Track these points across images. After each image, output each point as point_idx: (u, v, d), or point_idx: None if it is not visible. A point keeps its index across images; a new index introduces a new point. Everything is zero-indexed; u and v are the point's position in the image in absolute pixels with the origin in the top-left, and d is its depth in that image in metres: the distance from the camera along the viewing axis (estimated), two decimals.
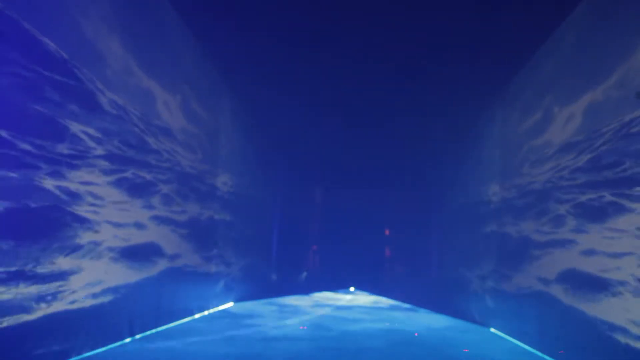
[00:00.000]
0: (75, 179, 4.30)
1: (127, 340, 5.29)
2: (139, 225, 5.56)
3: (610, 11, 4.76)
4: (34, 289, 3.73)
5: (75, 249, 4.28)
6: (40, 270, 3.81)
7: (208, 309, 7.98)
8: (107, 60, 4.87)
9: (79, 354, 4.37)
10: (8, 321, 3.47)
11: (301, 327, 6.98)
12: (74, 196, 4.29)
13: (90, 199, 4.52)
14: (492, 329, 7.57)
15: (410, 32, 6.62)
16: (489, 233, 8.11)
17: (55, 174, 4.01)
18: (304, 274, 14.70)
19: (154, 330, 5.92)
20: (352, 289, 14.26)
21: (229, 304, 9.12)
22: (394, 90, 8.86)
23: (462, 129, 9.97)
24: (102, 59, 4.76)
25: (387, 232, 16.52)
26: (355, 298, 11.76)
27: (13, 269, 3.52)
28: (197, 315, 7.42)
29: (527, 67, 6.96)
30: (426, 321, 8.15)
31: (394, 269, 16.18)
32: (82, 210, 4.39)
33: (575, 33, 5.50)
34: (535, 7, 5.64)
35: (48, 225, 3.93)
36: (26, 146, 3.66)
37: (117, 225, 5.08)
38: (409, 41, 6.89)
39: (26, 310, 3.66)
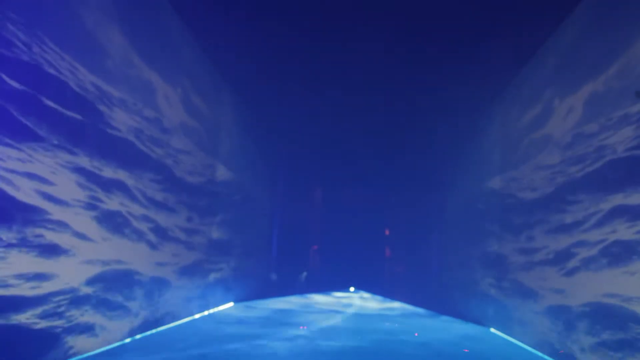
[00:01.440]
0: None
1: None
2: (129, 220, 5.55)
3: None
4: None
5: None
6: None
7: (208, 308, 7.98)
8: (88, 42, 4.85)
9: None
10: None
11: (301, 327, 6.95)
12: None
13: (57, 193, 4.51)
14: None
15: (413, 29, 6.62)
16: (492, 233, 8.10)
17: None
18: (304, 274, 14.69)
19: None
20: (352, 289, 14.26)
21: (229, 304, 9.12)
22: (395, 89, 8.86)
23: (463, 126, 9.97)
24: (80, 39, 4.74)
25: (387, 232, 16.51)
26: (361, 300, 11.41)
27: None
28: (197, 316, 7.42)
29: (528, 65, 6.96)
30: (462, 334, 7.06)
31: (395, 269, 16.15)
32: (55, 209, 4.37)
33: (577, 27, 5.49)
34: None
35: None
36: None
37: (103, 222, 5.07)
38: (410, 38, 6.88)
39: None
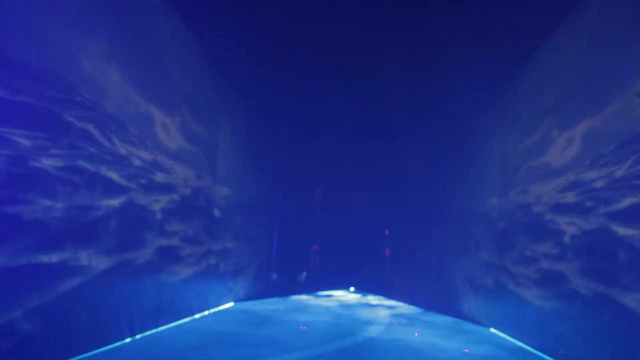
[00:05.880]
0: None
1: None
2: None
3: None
4: None
5: None
6: None
7: (208, 308, 7.98)
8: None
9: None
10: None
11: (301, 327, 6.93)
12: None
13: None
14: None
15: (419, 35, 6.66)
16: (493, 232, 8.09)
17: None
18: (304, 273, 14.70)
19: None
20: (352, 289, 14.26)
21: (230, 304, 9.13)
22: (395, 91, 8.87)
23: (462, 128, 9.98)
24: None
25: (386, 232, 16.50)
26: (368, 301, 10.98)
27: None
28: (197, 315, 7.43)
29: (526, 67, 6.97)
30: None
31: (397, 269, 16.07)
32: None
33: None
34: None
35: None
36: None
37: None
38: (413, 40, 6.90)
39: None
